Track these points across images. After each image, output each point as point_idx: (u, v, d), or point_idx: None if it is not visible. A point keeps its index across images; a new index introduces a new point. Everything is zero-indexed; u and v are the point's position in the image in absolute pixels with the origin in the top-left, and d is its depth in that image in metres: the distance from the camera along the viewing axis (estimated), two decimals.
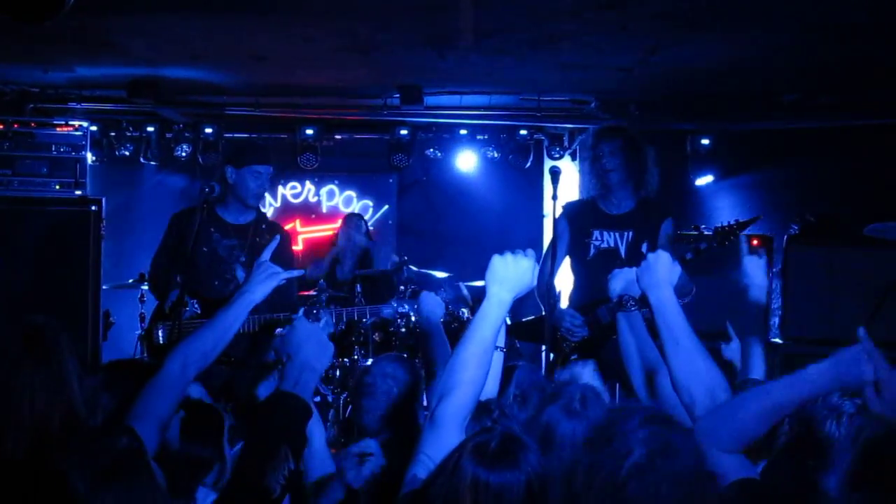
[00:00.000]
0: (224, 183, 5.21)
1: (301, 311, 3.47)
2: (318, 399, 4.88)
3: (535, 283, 2.60)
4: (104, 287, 6.72)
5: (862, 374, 2.07)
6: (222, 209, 5.26)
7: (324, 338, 2.52)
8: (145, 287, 7.11)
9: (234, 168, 5.20)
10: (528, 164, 8.65)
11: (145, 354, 5.72)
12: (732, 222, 4.74)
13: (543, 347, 5.81)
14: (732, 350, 4.63)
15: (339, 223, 8.40)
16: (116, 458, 2.15)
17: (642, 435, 1.93)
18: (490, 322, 2.48)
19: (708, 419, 2.36)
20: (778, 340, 6.53)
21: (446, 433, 2.35)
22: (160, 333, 5.07)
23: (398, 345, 6.75)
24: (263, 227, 5.35)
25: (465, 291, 7.29)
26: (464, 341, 2.48)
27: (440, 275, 7.65)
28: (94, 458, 2.13)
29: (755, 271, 3.97)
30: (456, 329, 6.30)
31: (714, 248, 4.69)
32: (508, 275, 2.52)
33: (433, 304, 3.97)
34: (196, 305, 5.04)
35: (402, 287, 7.18)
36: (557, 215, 5.06)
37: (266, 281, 3.03)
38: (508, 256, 2.53)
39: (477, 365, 2.43)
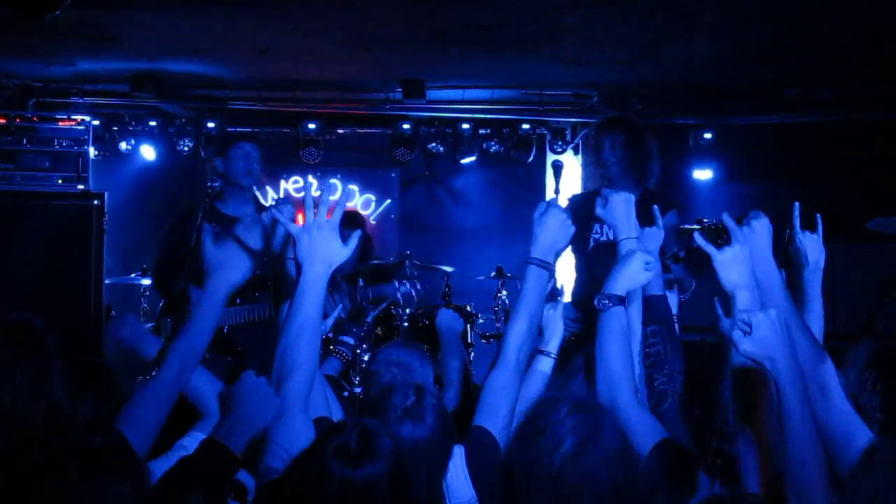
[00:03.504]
0: (217, 176, 5.26)
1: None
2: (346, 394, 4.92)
3: (350, 253, 2.51)
4: (106, 282, 6.71)
5: None
6: (221, 204, 5.28)
7: (269, 393, 2.43)
8: (147, 282, 7.12)
9: (221, 158, 5.28)
10: (531, 158, 8.63)
11: None
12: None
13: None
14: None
15: None
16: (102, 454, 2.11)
17: (570, 424, 1.98)
18: (310, 299, 2.43)
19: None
20: None
21: (291, 418, 2.32)
22: (168, 327, 5.10)
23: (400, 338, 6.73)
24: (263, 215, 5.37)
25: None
26: (288, 323, 2.43)
27: (446, 268, 7.62)
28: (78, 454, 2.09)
29: (812, 247, 3.53)
30: None
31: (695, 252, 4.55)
32: (315, 247, 2.47)
33: (451, 319, 4.36)
34: None
35: (404, 282, 7.16)
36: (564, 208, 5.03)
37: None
38: (313, 231, 2.48)
39: (307, 344, 2.40)
